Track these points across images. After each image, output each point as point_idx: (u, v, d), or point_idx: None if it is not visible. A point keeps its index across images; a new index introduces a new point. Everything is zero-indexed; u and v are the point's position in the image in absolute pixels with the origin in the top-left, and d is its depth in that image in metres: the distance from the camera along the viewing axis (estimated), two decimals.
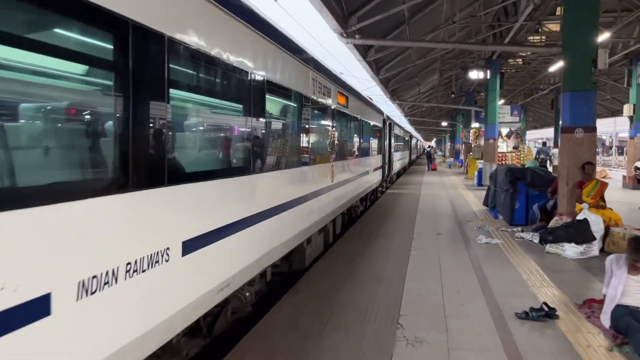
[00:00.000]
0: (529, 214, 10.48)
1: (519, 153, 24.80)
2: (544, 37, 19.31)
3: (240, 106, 4.71)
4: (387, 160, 19.02)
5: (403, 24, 12.91)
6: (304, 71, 6.75)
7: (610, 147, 60.47)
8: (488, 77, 13.16)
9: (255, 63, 4.83)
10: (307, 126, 7.02)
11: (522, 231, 9.68)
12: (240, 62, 4.44)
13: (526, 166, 12.61)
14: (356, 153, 11.76)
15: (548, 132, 63.04)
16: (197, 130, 4.24)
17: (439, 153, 55.47)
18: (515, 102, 29.66)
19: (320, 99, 7.66)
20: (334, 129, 9.13)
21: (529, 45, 15.87)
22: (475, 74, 13.14)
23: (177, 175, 3.51)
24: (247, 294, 5.57)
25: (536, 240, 8.76)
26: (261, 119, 5.15)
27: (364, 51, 13.07)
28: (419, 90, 27.37)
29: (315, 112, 7.65)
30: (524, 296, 5.61)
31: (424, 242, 8.84)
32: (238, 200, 4.56)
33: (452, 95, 22.77)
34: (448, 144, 56.84)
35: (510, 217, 10.64)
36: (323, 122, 8.46)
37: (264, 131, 5.25)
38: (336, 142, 9.50)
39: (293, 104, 6.54)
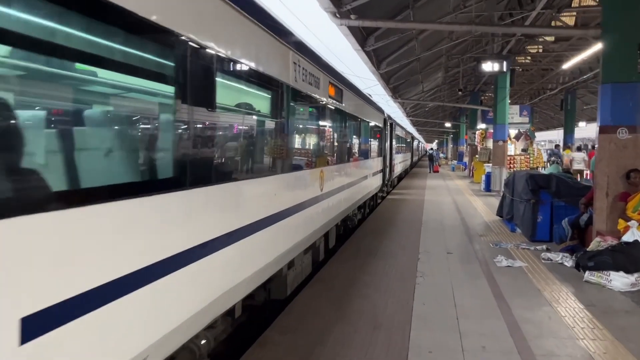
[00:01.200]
0: (553, 229, 8.93)
1: (528, 156, 23.30)
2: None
3: (170, 89, 3.18)
4: (388, 164, 17.51)
5: (407, 9, 11.36)
6: (280, 51, 5.21)
7: None
8: (504, 69, 11.59)
9: (197, 27, 3.31)
10: (286, 123, 5.49)
11: (548, 250, 8.14)
12: (167, 18, 2.92)
13: (548, 172, 11.04)
14: (352, 156, 10.22)
15: (552, 135, 61.72)
16: (72, 126, 2.68)
17: (441, 155, 53.85)
18: (522, 103, 28.11)
19: (304, 90, 6.12)
20: (324, 127, 7.60)
21: (559, 27, 14.07)
22: (489, 66, 11.59)
23: (19, 203, 1.99)
24: (203, 342, 4.13)
25: (567, 263, 7.23)
26: (210, 110, 3.63)
27: (362, 39, 11.51)
28: (422, 89, 25.77)
29: (298, 105, 6.12)
30: (577, 358, 4.07)
31: (432, 265, 7.31)
32: (168, 228, 3.05)
33: (460, 93, 21.14)
34: (451, 146, 55.25)
35: (531, 231, 9.09)
36: (309, 118, 6.94)
37: (214, 129, 3.73)
38: (327, 143, 7.99)
39: (264, 94, 5.02)
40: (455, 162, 39.86)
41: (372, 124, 13.14)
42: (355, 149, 10.74)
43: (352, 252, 8.25)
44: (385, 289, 6.11)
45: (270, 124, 5.22)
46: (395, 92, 22.03)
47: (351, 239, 9.54)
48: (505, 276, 6.68)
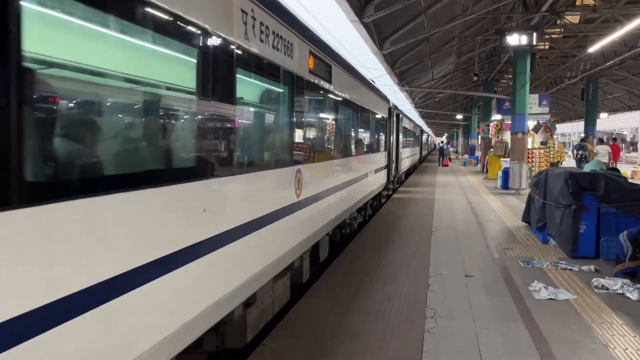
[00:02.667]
0: (600, 243, 7.04)
1: (548, 150, 21.30)
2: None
3: None
4: (393, 159, 15.61)
5: None
6: None
7: (633, 143, 56.53)
8: (533, 41, 9.61)
9: None
10: (234, 104, 3.65)
11: (598, 272, 6.27)
12: None
13: (588, 169, 9.06)
14: (346, 151, 8.32)
15: (566, 127, 59.19)
16: None
17: (451, 149, 51.74)
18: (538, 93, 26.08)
19: (264, 54, 4.26)
20: (301, 113, 5.71)
21: None
22: (515, 39, 9.60)
23: None
24: None
25: (632, 295, 5.34)
26: (53, 74, 1.80)
27: (358, 7, 9.59)
28: (432, 76, 23.72)
29: (252, 75, 4.26)
30: None
31: (448, 297, 5.44)
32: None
33: (475, 78, 19.06)
34: (461, 140, 53.12)
35: (571, 245, 7.18)
36: (273, 98, 5.08)
37: (71, 103, 1.90)
38: (307, 135, 6.13)
39: (178, 52, 3.17)
40: (466, 156, 37.82)
41: (374, 113, 11.24)
42: (351, 143, 8.86)
43: (341, 275, 6.39)
44: (381, 340, 4.25)
45: (198, 102, 3.36)
46: (402, 79, 20.04)
47: (344, 253, 7.69)
48: (550, 317, 4.79)
